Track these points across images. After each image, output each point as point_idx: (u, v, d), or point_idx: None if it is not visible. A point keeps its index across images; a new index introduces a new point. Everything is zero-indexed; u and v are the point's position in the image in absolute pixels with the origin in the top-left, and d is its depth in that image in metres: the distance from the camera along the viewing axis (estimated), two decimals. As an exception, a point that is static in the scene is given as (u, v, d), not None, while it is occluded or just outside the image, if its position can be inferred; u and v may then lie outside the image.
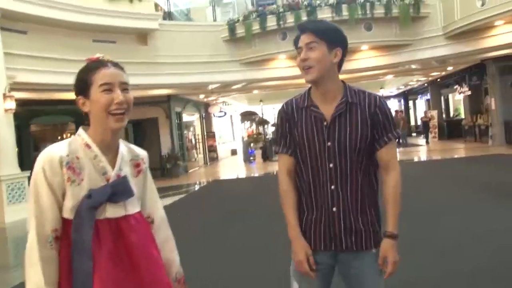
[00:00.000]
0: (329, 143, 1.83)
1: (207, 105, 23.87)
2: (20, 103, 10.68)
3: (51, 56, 11.00)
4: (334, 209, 1.84)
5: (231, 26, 14.26)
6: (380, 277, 1.86)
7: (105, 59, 1.60)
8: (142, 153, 1.73)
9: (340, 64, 1.87)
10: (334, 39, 1.84)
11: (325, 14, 13.12)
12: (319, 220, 1.87)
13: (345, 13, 12.96)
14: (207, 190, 12.60)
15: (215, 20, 15.99)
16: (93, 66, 1.57)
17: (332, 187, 1.84)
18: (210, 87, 17.09)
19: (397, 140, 1.90)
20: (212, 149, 23.46)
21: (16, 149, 10.41)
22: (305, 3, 13.40)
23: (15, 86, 10.19)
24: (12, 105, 9.72)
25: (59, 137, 18.50)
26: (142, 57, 13.16)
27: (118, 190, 1.54)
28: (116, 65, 1.60)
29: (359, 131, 1.82)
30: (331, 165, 1.83)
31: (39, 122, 16.63)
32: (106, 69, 1.56)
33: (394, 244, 1.83)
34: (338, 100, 1.84)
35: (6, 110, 9.67)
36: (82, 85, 1.57)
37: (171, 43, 13.83)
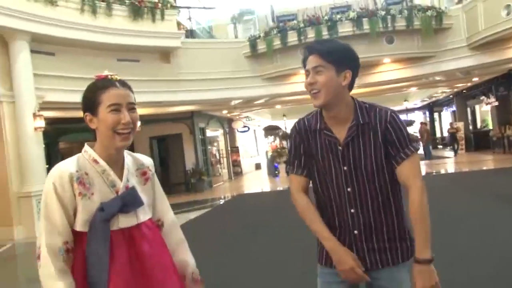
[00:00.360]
0: (345, 168, 1.78)
1: (230, 121, 24.10)
2: (49, 121, 11.01)
3: (77, 76, 11.29)
4: (356, 232, 1.79)
5: (252, 42, 14.44)
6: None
7: (114, 78, 1.63)
8: (146, 161, 1.78)
9: (351, 84, 1.79)
10: (343, 61, 1.75)
11: (346, 28, 13.17)
12: (343, 241, 1.82)
13: (366, 26, 12.94)
14: (231, 204, 12.66)
15: (236, 36, 16.22)
16: (102, 85, 1.60)
17: (352, 210, 1.79)
18: (233, 102, 17.23)
19: (416, 152, 1.78)
20: (236, 164, 23.64)
21: (46, 166, 10.70)
22: (326, 18, 13.46)
23: (44, 106, 10.53)
24: (41, 123, 10.03)
25: None
26: (165, 74, 13.42)
27: (128, 201, 1.59)
28: (124, 84, 1.64)
29: (373, 153, 1.75)
30: (349, 189, 1.78)
31: (66, 139, 17.10)
32: (115, 89, 1.59)
33: (425, 270, 1.69)
34: (350, 122, 1.78)
35: (35, 129, 9.98)
36: (91, 103, 1.60)
37: (194, 60, 14.07)
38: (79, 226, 1.55)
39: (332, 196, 1.82)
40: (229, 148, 23.72)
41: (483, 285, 3.95)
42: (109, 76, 1.63)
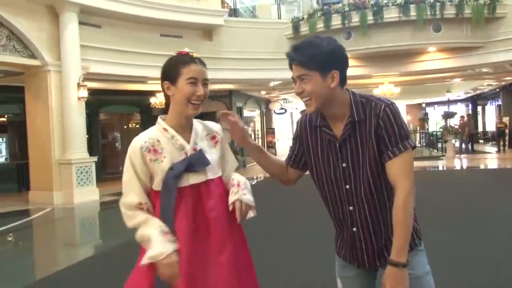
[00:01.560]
0: (343, 164, 1.77)
1: (268, 102, 24.00)
2: (91, 92, 11.34)
3: (121, 49, 11.58)
4: (354, 229, 1.80)
5: (295, 24, 14.29)
6: (423, 277, 1.76)
7: (194, 55, 1.85)
8: (215, 127, 1.99)
9: (342, 80, 1.72)
10: (327, 64, 1.68)
11: (392, 14, 12.85)
12: (342, 237, 1.87)
13: (412, 13, 12.57)
14: (262, 185, 12.76)
15: (279, 17, 16.08)
16: (184, 60, 1.82)
17: (350, 208, 1.79)
18: (272, 83, 17.21)
19: (409, 150, 1.69)
20: (271, 145, 23.53)
21: (86, 136, 11.06)
22: (372, 2, 13.13)
23: (88, 76, 10.85)
24: (85, 93, 10.35)
25: (124, 126, 19.42)
26: (207, 52, 13.45)
27: (195, 161, 1.82)
28: (202, 62, 1.86)
29: (369, 150, 1.72)
30: (347, 186, 1.78)
31: (107, 111, 17.56)
32: (195, 65, 1.82)
33: (397, 273, 1.63)
34: (346, 119, 1.75)
35: (79, 98, 10.31)
36: (173, 73, 1.82)
37: (235, 39, 14.08)
38: (156, 185, 1.81)
39: (331, 194, 1.83)
40: (264, 129, 23.79)
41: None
42: (190, 53, 1.85)
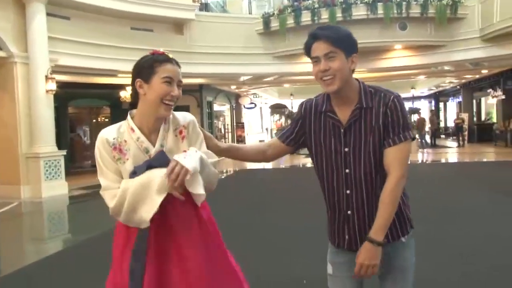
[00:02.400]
0: (346, 149, 1.82)
1: (238, 96, 24.03)
2: (60, 85, 11.17)
3: (91, 42, 11.45)
4: (349, 212, 1.85)
5: (266, 20, 14.44)
6: (409, 267, 1.88)
7: (170, 55, 1.82)
8: (183, 120, 1.88)
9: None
10: (350, 46, 1.78)
11: (360, 12, 13.14)
12: (335, 220, 1.91)
13: (380, 11, 12.91)
14: (233, 180, 12.89)
15: (250, 13, 16.18)
16: (161, 58, 1.78)
17: (348, 191, 1.84)
18: (242, 78, 17.29)
19: (408, 141, 1.80)
20: (241, 140, 23.68)
21: (55, 129, 10.90)
22: (341, 0, 13.39)
23: (57, 69, 10.68)
24: (53, 86, 10.20)
25: (94, 120, 19.14)
26: (178, 46, 13.45)
27: (154, 163, 1.75)
28: (177, 64, 1.83)
29: (375, 137, 1.79)
30: (347, 170, 1.83)
31: (76, 104, 17.27)
32: (171, 65, 1.78)
33: (372, 249, 1.74)
34: (354, 105, 1.81)
35: (47, 91, 10.15)
36: (147, 71, 1.77)
37: (206, 34, 14.11)
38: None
39: (330, 178, 1.88)
40: (234, 124, 23.78)
41: (484, 278, 3.94)
42: (166, 53, 1.81)
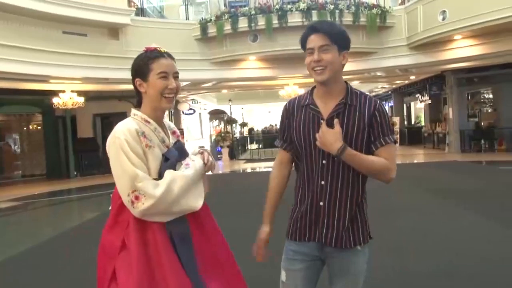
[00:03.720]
0: None
1: (176, 102, 23.65)
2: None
3: (20, 46, 10.90)
4: (321, 203, 1.91)
5: (203, 26, 14.39)
6: (361, 274, 1.94)
7: (162, 50, 1.88)
8: (172, 124, 2.05)
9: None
10: (344, 43, 1.91)
11: (295, 19, 13.41)
12: (306, 212, 1.94)
13: (314, 18, 13.24)
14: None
15: (187, 18, 16.09)
16: (153, 55, 1.85)
17: (322, 182, 1.90)
18: (181, 84, 17.05)
19: (394, 143, 1.93)
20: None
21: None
22: (277, 7, 13.63)
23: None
24: (-22, 93, 9.61)
25: (24, 128, 18.21)
26: (113, 51, 13.12)
27: (182, 151, 1.87)
28: (170, 56, 1.90)
29: (355, 132, 1.88)
30: (324, 161, 1.90)
31: (4, 111, 16.38)
32: (163, 59, 1.85)
33: (335, 135, 1.84)
34: (338, 100, 1.91)
35: (-28, 98, 9.54)
36: (143, 69, 1.84)
37: (143, 39, 13.75)
38: (153, 174, 1.77)
39: (306, 168, 1.95)
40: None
41: (416, 276, 4.10)
42: (158, 49, 1.88)
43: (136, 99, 1.96)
